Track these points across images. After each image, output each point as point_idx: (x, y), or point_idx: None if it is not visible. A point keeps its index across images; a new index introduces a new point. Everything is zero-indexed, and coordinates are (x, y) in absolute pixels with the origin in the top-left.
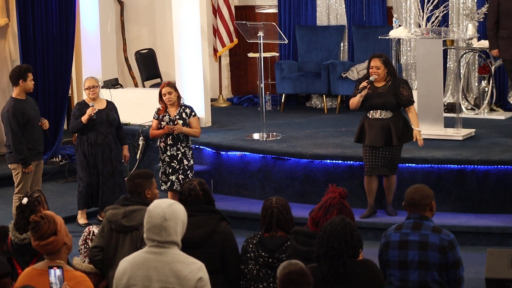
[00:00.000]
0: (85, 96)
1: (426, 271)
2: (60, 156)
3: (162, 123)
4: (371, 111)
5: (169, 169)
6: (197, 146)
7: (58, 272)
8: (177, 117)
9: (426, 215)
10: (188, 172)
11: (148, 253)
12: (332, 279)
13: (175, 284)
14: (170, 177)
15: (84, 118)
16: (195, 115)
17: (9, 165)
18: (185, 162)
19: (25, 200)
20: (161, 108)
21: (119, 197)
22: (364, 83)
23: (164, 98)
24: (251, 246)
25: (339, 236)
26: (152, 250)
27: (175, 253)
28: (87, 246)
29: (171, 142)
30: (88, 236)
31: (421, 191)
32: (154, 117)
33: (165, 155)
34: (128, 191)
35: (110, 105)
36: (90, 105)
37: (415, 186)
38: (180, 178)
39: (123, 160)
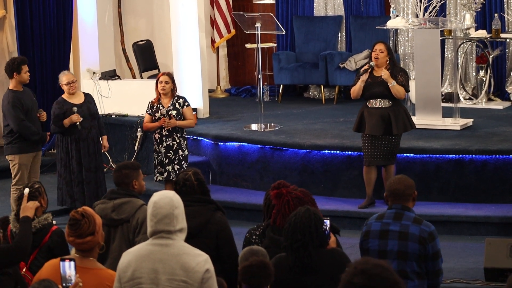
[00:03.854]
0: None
1: (405, 261)
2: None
3: (156, 114)
4: (371, 100)
5: (165, 160)
6: (195, 137)
7: (71, 265)
8: (171, 107)
9: (408, 206)
10: (183, 162)
11: (153, 245)
12: (298, 269)
13: (182, 276)
14: (167, 167)
15: (66, 122)
16: (188, 105)
17: (7, 156)
18: (180, 152)
19: (26, 191)
20: (153, 100)
21: (105, 191)
22: (365, 67)
23: (159, 85)
24: (254, 237)
25: (303, 227)
26: (157, 242)
27: (181, 245)
28: None
29: (167, 133)
30: None
31: (405, 182)
32: (146, 111)
33: (161, 145)
34: (115, 182)
35: (88, 97)
36: (73, 110)
37: (398, 176)
38: (176, 168)
39: (102, 150)
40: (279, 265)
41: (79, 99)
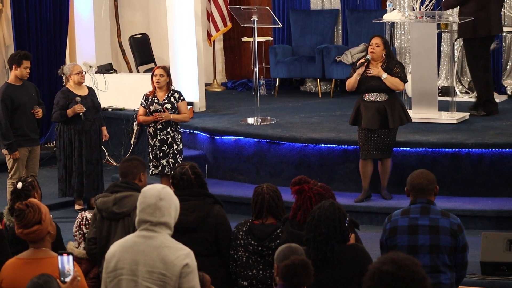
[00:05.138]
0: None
1: (438, 255)
2: (54, 142)
3: (151, 107)
4: (367, 94)
5: (159, 153)
6: (191, 131)
7: (69, 259)
8: (166, 101)
9: (432, 200)
10: (178, 156)
11: (137, 237)
12: (320, 263)
13: (161, 269)
14: (161, 161)
15: (69, 112)
16: (183, 99)
17: (2, 151)
18: (175, 146)
19: (19, 185)
20: (148, 92)
21: (103, 184)
22: (361, 60)
23: (154, 78)
24: (241, 233)
25: (328, 221)
26: (142, 234)
27: (164, 238)
28: (81, 232)
29: (161, 127)
30: (81, 222)
31: (427, 176)
32: (141, 104)
33: (155, 139)
34: (122, 172)
35: (92, 91)
36: (76, 100)
37: (420, 171)
38: (170, 162)
39: (103, 140)
40: None
41: (83, 91)
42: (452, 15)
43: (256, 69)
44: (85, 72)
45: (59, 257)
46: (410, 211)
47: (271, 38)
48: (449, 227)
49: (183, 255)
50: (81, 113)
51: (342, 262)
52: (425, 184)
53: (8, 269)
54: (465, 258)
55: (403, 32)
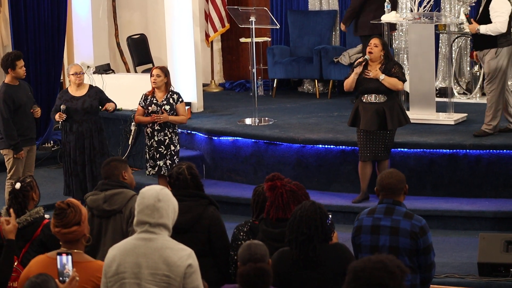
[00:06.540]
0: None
1: (397, 256)
2: (52, 142)
3: (149, 108)
4: (366, 95)
5: (156, 154)
6: (189, 131)
7: (68, 259)
8: (164, 102)
9: (399, 200)
10: (175, 157)
11: (137, 240)
12: (303, 263)
13: (164, 271)
14: (158, 162)
15: (56, 117)
16: (182, 101)
17: (1, 151)
18: (172, 147)
19: (18, 185)
20: (147, 92)
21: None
22: (359, 60)
23: (151, 78)
24: (242, 234)
25: (309, 221)
26: (141, 237)
27: (164, 240)
28: None
29: (158, 128)
30: None
31: (397, 176)
32: (139, 104)
33: (152, 140)
34: (104, 175)
35: (91, 91)
36: (62, 108)
37: (389, 171)
38: (168, 164)
39: (107, 108)
40: (282, 259)
41: (81, 92)
42: (450, 16)
43: (254, 70)
44: (83, 72)
45: (58, 257)
46: (376, 211)
47: (269, 39)
48: (409, 229)
49: (185, 255)
50: (60, 122)
51: (325, 261)
52: (395, 184)
53: (36, 266)
54: (428, 260)
55: (401, 33)
